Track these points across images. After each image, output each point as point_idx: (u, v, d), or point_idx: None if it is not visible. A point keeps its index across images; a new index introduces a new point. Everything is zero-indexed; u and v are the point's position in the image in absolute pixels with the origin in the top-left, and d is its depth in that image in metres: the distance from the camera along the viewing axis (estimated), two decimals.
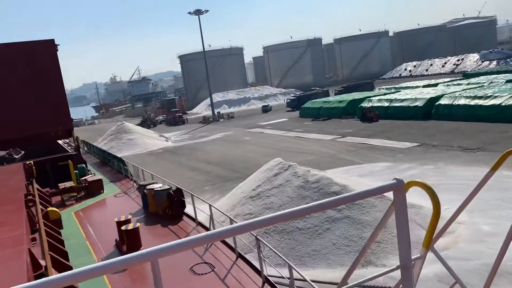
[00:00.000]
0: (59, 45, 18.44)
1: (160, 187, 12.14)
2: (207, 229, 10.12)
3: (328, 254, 16.58)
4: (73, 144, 22.19)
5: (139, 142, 54.98)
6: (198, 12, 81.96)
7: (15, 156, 22.47)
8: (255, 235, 7.82)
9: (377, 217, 17.43)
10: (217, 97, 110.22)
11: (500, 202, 19.45)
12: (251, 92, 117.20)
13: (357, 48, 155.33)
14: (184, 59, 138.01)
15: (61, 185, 16.01)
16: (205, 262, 8.38)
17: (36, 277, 5.64)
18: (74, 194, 15.73)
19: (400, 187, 2.40)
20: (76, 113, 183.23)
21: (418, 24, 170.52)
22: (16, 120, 17.83)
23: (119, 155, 50.24)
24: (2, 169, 12.20)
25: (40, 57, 18.21)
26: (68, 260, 7.90)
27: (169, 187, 12.08)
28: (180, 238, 10.19)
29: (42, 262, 6.15)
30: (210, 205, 9.76)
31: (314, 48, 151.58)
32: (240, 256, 8.46)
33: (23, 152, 21.71)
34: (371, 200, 18.20)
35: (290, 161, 32.43)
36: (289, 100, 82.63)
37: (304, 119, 62.42)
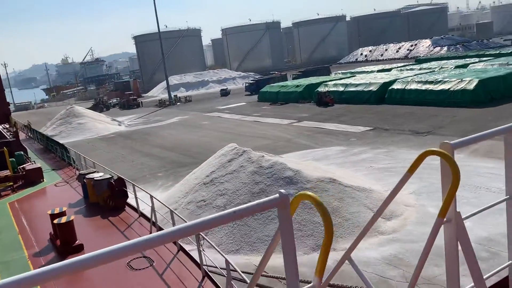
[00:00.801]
0: None
1: (100, 176, 11.47)
2: (149, 220, 9.63)
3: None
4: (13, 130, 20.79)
5: (90, 126, 52.87)
6: None
7: None
8: None
9: (328, 201, 17.50)
10: (174, 79, 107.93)
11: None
12: (209, 75, 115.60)
13: (315, 32, 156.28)
14: (139, 39, 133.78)
15: None
16: (144, 256, 7.93)
17: None
18: (10, 183, 14.70)
19: (283, 202, 2.06)
20: (25, 96, 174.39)
21: (374, 9, 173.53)
22: None
23: (68, 140, 48.40)
24: None
25: None
26: None
27: (110, 176, 11.43)
28: (120, 230, 9.68)
29: None
30: (151, 196, 9.26)
31: (273, 32, 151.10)
32: (181, 249, 8.06)
33: None
34: (322, 184, 18.27)
35: (247, 145, 32.17)
36: (247, 84, 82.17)
37: (262, 103, 62.20)
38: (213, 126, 46.82)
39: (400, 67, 71.26)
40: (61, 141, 47.66)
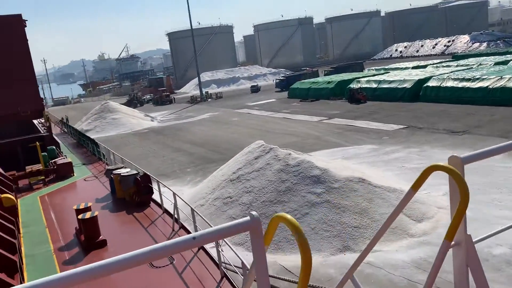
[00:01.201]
0: (27, 20, 17.46)
1: (127, 172, 11.58)
2: (171, 216, 9.63)
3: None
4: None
5: (124, 121, 54.00)
6: None
7: None
8: (211, 226, 7.32)
9: (357, 202, 17.12)
10: (206, 76, 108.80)
11: (483, 187, 19.22)
12: (240, 72, 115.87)
13: (348, 28, 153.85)
14: (173, 36, 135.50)
15: (28, 168, 15.37)
16: None
17: None
18: (42, 177, 15.10)
19: (255, 225, 1.88)
20: (63, 91, 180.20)
21: (410, 5, 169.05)
22: None
23: (102, 135, 49.59)
24: None
25: (6, 33, 17.24)
26: (14, 252, 7.37)
27: (137, 172, 11.52)
28: (144, 226, 9.74)
29: None
30: (174, 193, 9.24)
31: (305, 28, 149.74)
32: (202, 247, 7.99)
33: None
34: (351, 184, 17.88)
35: (275, 143, 31.99)
36: (278, 81, 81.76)
37: (292, 99, 61.78)
38: (242, 123, 46.86)
39: (436, 63, 69.07)
40: (95, 136, 49.02)
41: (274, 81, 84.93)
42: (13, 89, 17.38)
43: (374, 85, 50.88)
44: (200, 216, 7.72)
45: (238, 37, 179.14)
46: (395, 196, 17.64)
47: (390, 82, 49.37)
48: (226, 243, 7.32)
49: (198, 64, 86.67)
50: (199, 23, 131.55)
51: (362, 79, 55.10)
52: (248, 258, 16.21)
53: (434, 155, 24.96)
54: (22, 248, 9.05)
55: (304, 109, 50.62)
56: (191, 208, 8.06)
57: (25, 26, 17.50)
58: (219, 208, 19.48)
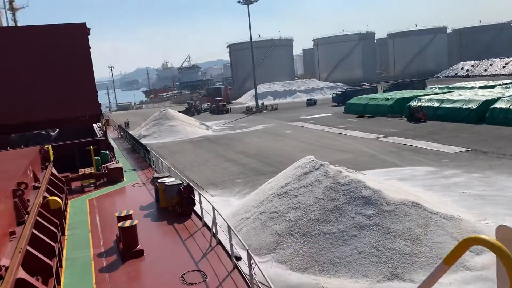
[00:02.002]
0: (90, 29, 18.31)
1: (171, 181, 11.57)
2: (210, 230, 9.43)
3: (352, 263, 15.50)
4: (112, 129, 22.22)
5: (180, 129, 55.34)
6: (247, 1, 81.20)
7: (51, 133, 23.01)
8: (248, 248, 6.98)
9: (410, 227, 16.10)
10: (263, 87, 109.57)
11: None
12: (297, 85, 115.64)
13: (411, 44, 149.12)
14: (233, 48, 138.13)
15: (81, 171, 15.90)
16: (198, 270, 7.69)
17: None
18: (93, 181, 15.56)
19: None
20: (127, 97, 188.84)
21: (480, 21, 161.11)
22: (45, 103, 17.92)
23: (159, 141, 51.06)
24: (12, 153, 12.08)
25: (71, 40, 18.14)
26: (53, 256, 7.45)
27: (181, 182, 11.47)
28: (182, 239, 9.61)
29: (5, 262, 5.64)
30: (213, 208, 9.03)
31: (366, 43, 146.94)
32: (236, 267, 7.69)
33: (57, 130, 22.11)
34: (404, 207, 16.87)
35: (327, 158, 31.22)
36: (335, 95, 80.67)
37: (348, 115, 60.53)
38: (295, 136, 46.39)
39: (505, 84, 64.89)
40: (152, 142, 50.56)
41: (331, 95, 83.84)
42: (74, 94, 18.23)
43: (436, 104, 48.58)
44: (237, 236, 7.41)
45: (297, 50, 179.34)
46: (452, 224, 16.42)
47: (454, 101, 46.90)
48: (254, 261, 6.96)
49: (256, 75, 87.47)
50: (259, 36, 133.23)
51: (423, 97, 52.84)
52: (289, 277, 15.54)
53: (498, 182, 23.17)
54: (64, 251, 9.22)
55: (360, 126, 49.29)
56: (228, 226, 7.80)
57: (89, 34, 18.36)
58: (264, 222, 19.13)
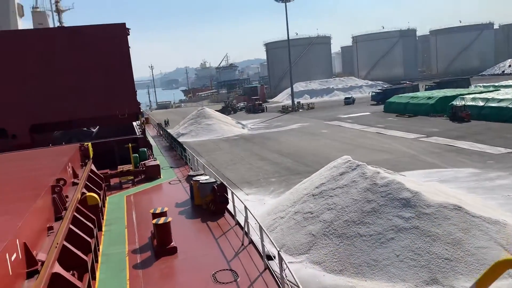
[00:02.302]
0: (130, 29, 18.73)
1: (206, 179, 11.63)
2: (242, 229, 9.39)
3: (389, 266, 15.07)
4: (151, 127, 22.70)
5: (216, 127, 55.86)
6: (285, 0, 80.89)
7: (92, 129, 23.81)
8: (279, 250, 6.86)
9: (450, 231, 15.48)
10: (300, 86, 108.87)
11: None
12: (335, 83, 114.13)
13: (455, 41, 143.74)
14: (270, 46, 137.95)
15: (120, 168, 16.30)
16: (230, 269, 7.66)
17: (28, 275, 5.28)
18: (131, 177, 15.91)
19: None
20: (166, 96, 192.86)
21: None
22: (86, 102, 18.52)
23: (196, 139, 51.74)
24: (53, 150, 12.50)
25: (111, 40, 18.63)
26: (89, 251, 7.62)
27: (215, 180, 11.51)
28: (215, 237, 9.62)
29: (42, 256, 5.80)
30: (245, 207, 8.98)
31: (407, 40, 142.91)
32: (268, 267, 7.60)
33: (98, 126, 22.81)
34: (445, 210, 16.23)
35: (365, 158, 30.57)
36: (374, 93, 79.03)
37: (388, 114, 59.14)
38: (332, 135, 45.76)
39: None
40: (190, 140, 51.29)
41: (370, 94, 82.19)
42: (114, 92, 18.73)
43: (481, 103, 46.59)
44: (268, 236, 7.31)
45: (335, 47, 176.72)
46: (496, 229, 15.65)
47: (500, 100, 44.81)
48: (286, 265, 6.82)
49: (292, 74, 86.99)
50: (296, 34, 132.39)
51: (467, 96, 50.80)
52: (324, 279, 15.28)
53: None
54: (100, 246, 9.44)
55: (400, 125, 48.02)
56: (260, 226, 7.72)
57: (128, 34, 18.81)
58: (298, 222, 18.95)
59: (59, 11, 72.98)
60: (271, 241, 7.09)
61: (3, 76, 17.56)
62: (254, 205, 24.16)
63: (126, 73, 18.80)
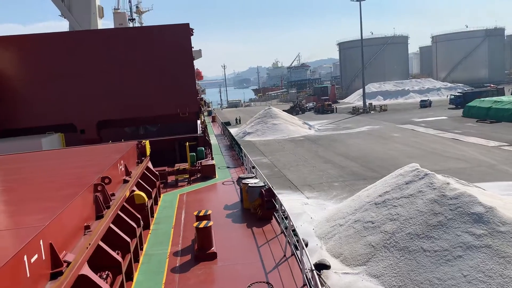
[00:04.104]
0: (193, 29, 18.94)
1: (255, 183, 11.28)
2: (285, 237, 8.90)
3: (454, 287, 13.75)
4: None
5: (282, 127, 55.51)
6: None
7: (153, 128, 24.59)
8: (314, 269, 6.30)
9: None
10: (373, 87, 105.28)
11: None
12: (410, 85, 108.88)
13: None
14: (343, 46, 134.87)
15: (177, 166, 16.47)
16: (267, 282, 7.24)
17: (52, 276, 5.24)
18: (187, 176, 16.02)
19: None
20: (238, 94, 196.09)
21: None
22: (149, 100, 19.04)
23: (262, 139, 51.80)
24: (110, 147, 12.79)
25: (174, 40, 18.97)
26: (127, 251, 7.58)
27: (264, 184, 11.13)
28: (257, 245, 9.24)
29: (69, 257, 5.75)
30: (288, 217, 8.48)
31: (493, 39, 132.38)
32: (308, 283, 7.06)
33: (158, 125, 23.46)
34: None
35: (437, 166, 28.63)
36: (453, 96, 74.17)
37: (467, 119, 55.15)
38: (403, 140, 43.47)
39: None
40: (255, 139, 51.44)
41: (449, 97, 77.23)
42: (175, 92, 19.09)
43: None
44: (306, 253, 6.78)
45: (413, 48, 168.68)
46: None
47: None
48: (322, 279, 6.22)
49: (365, 74, 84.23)
50: (371, 33, 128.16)
51: None
52: None
53: None
54: (145, 246, 9.45)
55: (480, 131, 44.46)
56: (301, 241, 7.20)
57: (192, 35, 19.06)
58: (358, 231, 18.03)
59: (139, 12, 77.02)
60: (308, 260, 6.55)
61: (74, 74, 18.58)
62: (314, 210, 23.48)
63: (188, 73, 19.07)
